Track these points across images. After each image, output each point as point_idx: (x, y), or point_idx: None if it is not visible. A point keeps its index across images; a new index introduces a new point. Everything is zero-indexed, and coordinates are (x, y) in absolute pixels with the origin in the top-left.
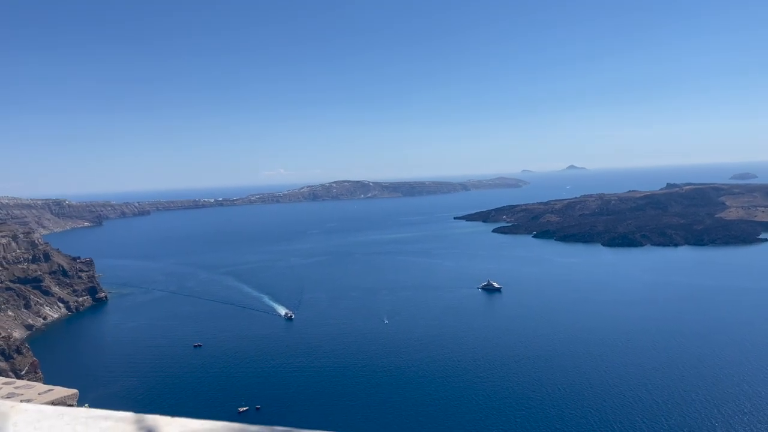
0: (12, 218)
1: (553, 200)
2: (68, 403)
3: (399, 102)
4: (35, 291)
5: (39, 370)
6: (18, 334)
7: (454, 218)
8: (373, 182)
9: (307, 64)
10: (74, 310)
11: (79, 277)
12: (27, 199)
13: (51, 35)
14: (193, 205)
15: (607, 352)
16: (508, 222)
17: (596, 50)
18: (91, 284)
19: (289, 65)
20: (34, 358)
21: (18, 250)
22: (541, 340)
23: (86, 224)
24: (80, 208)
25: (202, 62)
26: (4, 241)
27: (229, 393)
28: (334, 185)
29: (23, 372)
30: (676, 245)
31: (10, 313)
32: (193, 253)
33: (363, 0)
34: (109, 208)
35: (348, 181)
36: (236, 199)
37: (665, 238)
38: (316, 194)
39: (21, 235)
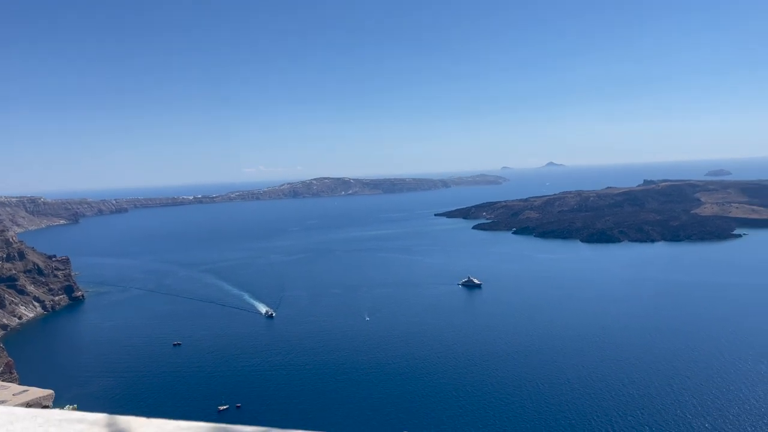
0: None
1: (532, 197)
2: (44, 404)
3: (380, 99)
4: (10, 290)
5: (14, 371)
6: None
7: (435, 215)
8: (353, 179)
9: (289, 60)
10: (50, 310)
11: (55, 276)
12: (1, 197)
13: (23, 29)
14: (171, 202)
15: (585, 348)
16: (488, 218)
17: (575, 48)
18: (67, 283)
19: (269, 62)
20: (9, 359)
21: None
22: (520, 336)
23: (62, 222)
24: (56, 205)
25: (181, 59)
26: None
27: (209, 392)
28: (315, 182)
29: None
30: (652, 241)
31: None
32: (171, 250)
33: None
34: (86, 206)
35: (329, 178)
36: (216, 197)
37: (642, 234)
38: (296, 191)
39: None
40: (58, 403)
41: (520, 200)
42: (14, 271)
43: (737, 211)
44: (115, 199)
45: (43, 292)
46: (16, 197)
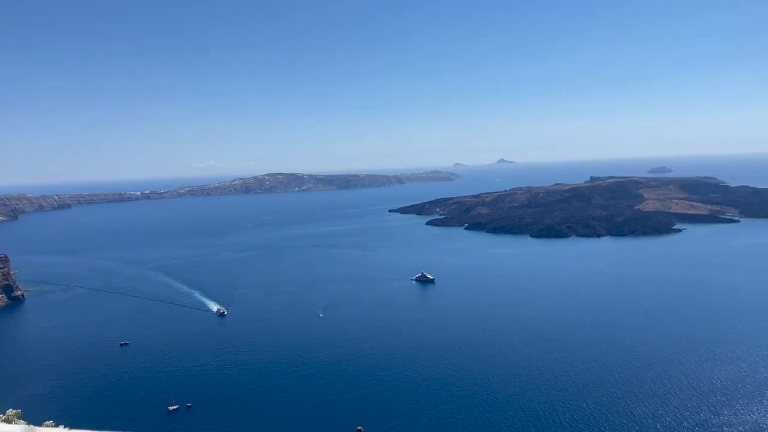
0: None
1: (484, 193)
2: None
3: (334, 95)
4: None
5: None
6: None
7: (389, 211)
8: (307, 175)
9: (240, 53)
10: None
11: None
12: None
13: None
14: (118, 198)
15: (534, 340)
16: (441, 214)
17: (525, 48)
18: (6, 282)
19: (220, 54)
20: None
21: None
22: (472, 330)
23: (0, 218)
24: None
25: (128, 48)
26: None
27: (158, 392)
28: (268, 178)
29: None
30: (599, 236)
31: None
32: (118, 248)
33: None
34: (26, 202)
35: (282, 174)
36: (164, 192)
37: (589, 230)
38: (248, 187)
39: None
40: (0, 408)
41: (472, 196)
42: None
43: (677, 207)
44: (57, 195)
45: None
46: None
